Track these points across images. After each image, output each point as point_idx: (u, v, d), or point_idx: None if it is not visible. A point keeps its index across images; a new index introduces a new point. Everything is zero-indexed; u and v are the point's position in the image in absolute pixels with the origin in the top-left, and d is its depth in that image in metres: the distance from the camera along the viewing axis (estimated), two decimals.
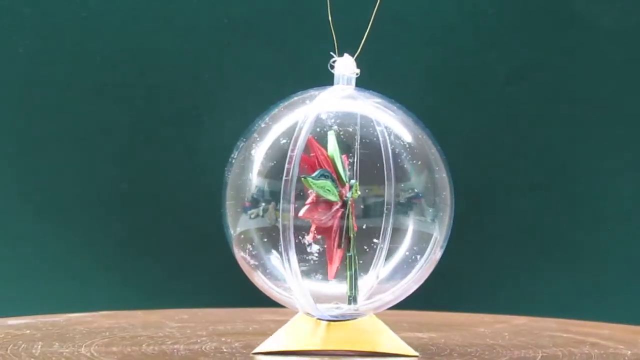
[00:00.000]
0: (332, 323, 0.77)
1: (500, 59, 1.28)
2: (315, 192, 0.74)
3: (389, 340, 0.77)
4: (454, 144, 1.23)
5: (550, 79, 1.29)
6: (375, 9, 0.77)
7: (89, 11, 1.26)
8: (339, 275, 0.76)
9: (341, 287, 0.77)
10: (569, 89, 1.28)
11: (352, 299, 0.77)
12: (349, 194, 0.75)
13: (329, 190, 0.74)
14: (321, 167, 0.75)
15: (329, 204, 0.75)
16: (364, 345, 0.76)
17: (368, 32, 0.77)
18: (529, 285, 1.29)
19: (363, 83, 0.80)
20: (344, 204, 0.75)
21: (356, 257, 0.76)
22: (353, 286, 0.76)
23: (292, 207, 0.73)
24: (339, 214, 0.75)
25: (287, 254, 0.74)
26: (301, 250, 0.75)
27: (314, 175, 0.74)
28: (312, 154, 0.75)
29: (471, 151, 1.28)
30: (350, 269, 0.76)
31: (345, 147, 0.76)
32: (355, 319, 0.77)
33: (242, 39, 1.27)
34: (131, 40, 1.26)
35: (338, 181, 0.75)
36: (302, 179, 0.74)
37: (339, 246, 0.75)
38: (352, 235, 0.75)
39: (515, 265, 1.29)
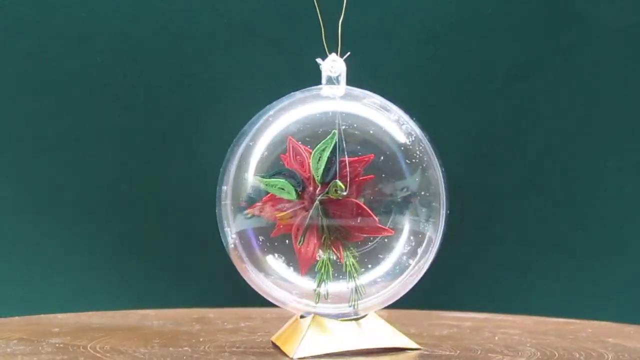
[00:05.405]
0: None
1: (500, 58, 1.28)
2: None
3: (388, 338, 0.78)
4: (453, 143, 1.23)
5: (550, 79, 1.29)
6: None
7: (89, 11, 1.26)
8: (343, 275, 0.76)
9: (339, 286, 0.77)
10: (569, 88, 1.28)
11: (354, 305, 0.77)
12: (322, 194, 0.75)
13: (282, 189, 0.75)
14: (287, 166, 0.75)
15: (291, 202, 0.75)
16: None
17: (341, 30, 0.78)
18: (528, 285, 1.29)
19: (362, 82, 0.80)
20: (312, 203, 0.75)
21: (352, 260, 0.76)
22: (358, 285, 0.76)
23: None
24: (300, 213, 0.75)
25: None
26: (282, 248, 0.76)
27: (266, 173, 0.75)
28: (286, 153, 0.75)
29: (470, 151, 1.28)
30: (321, 269, 0.76)
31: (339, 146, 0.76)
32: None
33: (242, 39, 1.27)
34: (131, 40, 1.26)
35: (307, 180, 0.75)
36: (254, 177, 0.75)
37: (298, 244, 0.75)
38: (324, 235, 0.75)
39: (515, 265, 1.29)
